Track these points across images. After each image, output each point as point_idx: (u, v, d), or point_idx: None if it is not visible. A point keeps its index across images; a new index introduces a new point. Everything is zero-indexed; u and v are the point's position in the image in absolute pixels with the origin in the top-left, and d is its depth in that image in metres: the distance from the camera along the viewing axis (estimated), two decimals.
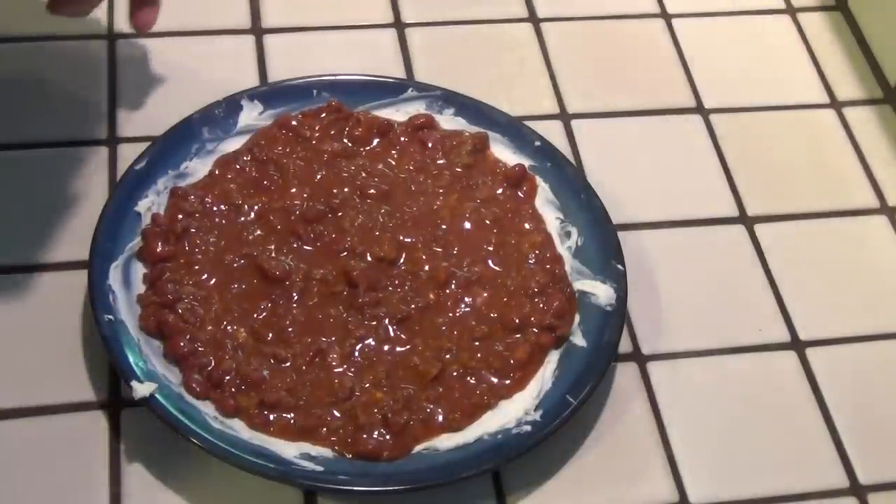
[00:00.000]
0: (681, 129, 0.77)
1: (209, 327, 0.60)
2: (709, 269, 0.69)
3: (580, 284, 0.65)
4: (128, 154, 0.68)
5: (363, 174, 0.68)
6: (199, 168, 0.67)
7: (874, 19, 0.82)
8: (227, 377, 0.58)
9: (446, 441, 0.59)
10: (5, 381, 0.60)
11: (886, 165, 0.76)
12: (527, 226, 0.67)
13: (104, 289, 0.60)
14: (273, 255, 0.63)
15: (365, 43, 0.78)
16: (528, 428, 0.59)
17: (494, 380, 0.61)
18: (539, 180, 0.69)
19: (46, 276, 0.64)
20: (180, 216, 0.64)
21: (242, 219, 0.65)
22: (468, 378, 0.61)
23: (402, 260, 0.65)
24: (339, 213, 0.66)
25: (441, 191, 0.68)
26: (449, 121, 0.71)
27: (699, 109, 0.78)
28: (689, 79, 0.79)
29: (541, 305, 0.63)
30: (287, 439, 0.57)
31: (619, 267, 0.65)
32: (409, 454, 0.58)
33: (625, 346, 0.65)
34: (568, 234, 0.67)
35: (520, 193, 0.69)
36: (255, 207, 0.66)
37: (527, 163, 0.70)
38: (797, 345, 0.66)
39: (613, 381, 0.63)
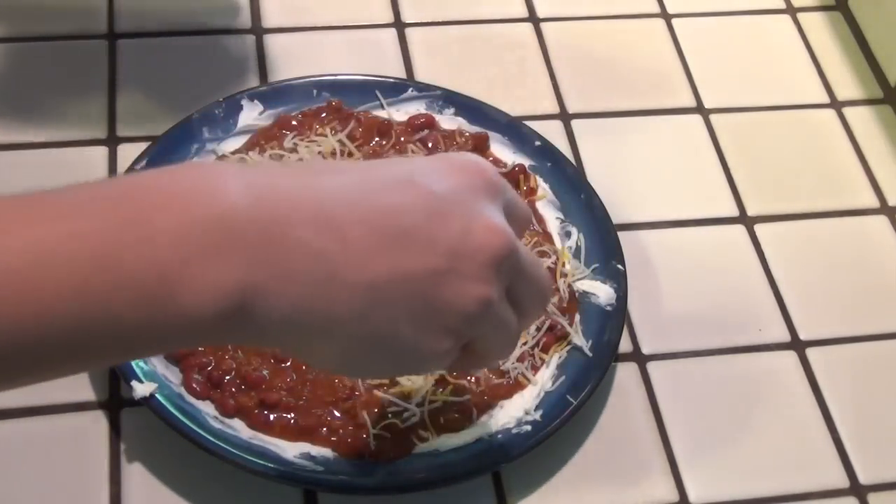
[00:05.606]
0: (681, 129, 0.76)
1: None
2: (709, 269, 0.69)
3: (580, 284, 0.65)
4: (128, 154, 0.68)
5: None
6: None
7: (874, 19, 0.82)
8: (227, 377, 0.58)
9: (446, 441, 0.59)
10: None
11: (886, 165, 0.76)
12: None
13: None
14: None
15: (365, 43, 0.78)
16: (528, 428, 0.59)
17: (495, 380, 0.61)
18: (539, 180, 0.69)
19: None
20: None
21: None
22: (468, 378, 0.61)
23: None
24: None
25: None
26: (449, 121, 0.71)
27: (699, 109, 0.78)
28: (689, 79, 0.79)
29: None
30: (287, 439, 0.57)
31: (619, 267, 0.65)
32: (409, 454, 0.58)
33: (625, 346, 0.65)
34: (568, 234, 0.67)
35: (520, 193, 0.69)
36: None
37: (527, 163, 0.70)
38: (797, 345, 0.66)
39: (613, 381, 0.63)
